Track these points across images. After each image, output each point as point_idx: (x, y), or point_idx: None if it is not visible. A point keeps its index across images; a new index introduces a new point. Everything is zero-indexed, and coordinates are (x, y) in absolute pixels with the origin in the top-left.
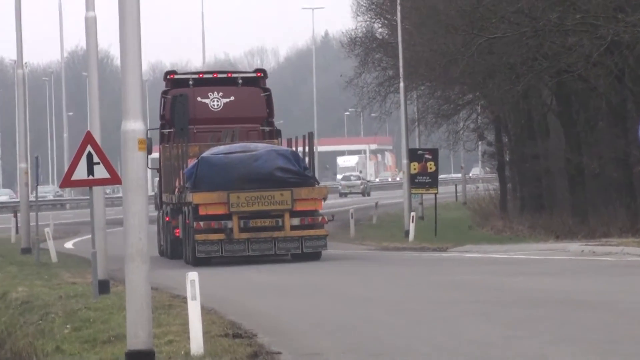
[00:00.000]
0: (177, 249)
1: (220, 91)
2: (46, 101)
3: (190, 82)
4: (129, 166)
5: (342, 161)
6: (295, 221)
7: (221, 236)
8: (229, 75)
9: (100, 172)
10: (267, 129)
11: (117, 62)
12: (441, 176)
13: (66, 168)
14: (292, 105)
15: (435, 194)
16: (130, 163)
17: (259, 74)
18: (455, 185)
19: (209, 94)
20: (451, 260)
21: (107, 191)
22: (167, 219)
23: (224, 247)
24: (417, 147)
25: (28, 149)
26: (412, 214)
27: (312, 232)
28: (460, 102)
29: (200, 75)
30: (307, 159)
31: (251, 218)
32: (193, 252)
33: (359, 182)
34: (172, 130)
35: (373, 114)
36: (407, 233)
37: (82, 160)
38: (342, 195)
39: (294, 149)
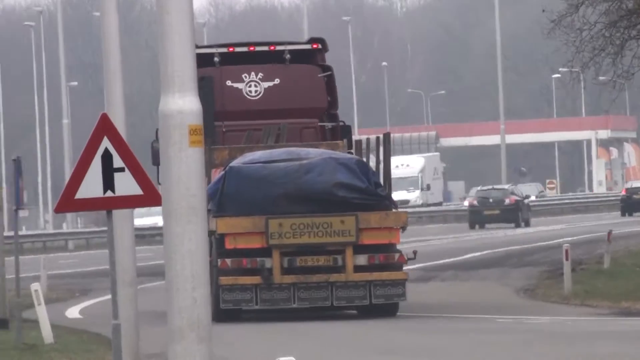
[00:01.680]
0: None
1: (260, 71)
2: (31, 62)
3: (217, 59)
4: (173, 173)
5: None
6: (362, 259)
7: (256, 279)
8: (272, 48)
9: (126, 184)
10: (329, 125)
11: None
12: None
13: (67, 178)
14: (459, 64)
15: None
16: (175, 168)
17: (315, 46)
18: None
19: (243, 76)
20: None
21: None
22: None
23: (260, 296)
24: None
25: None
26: None
27: (385, 275)
28: None
29: (231, 49)
30: (381, 172)
31: (299, 254)
32: (216, 302)
33: None
34: None
35: (601, 77)
36: None
37: (93, 165)
38: None
39: (364, 157)
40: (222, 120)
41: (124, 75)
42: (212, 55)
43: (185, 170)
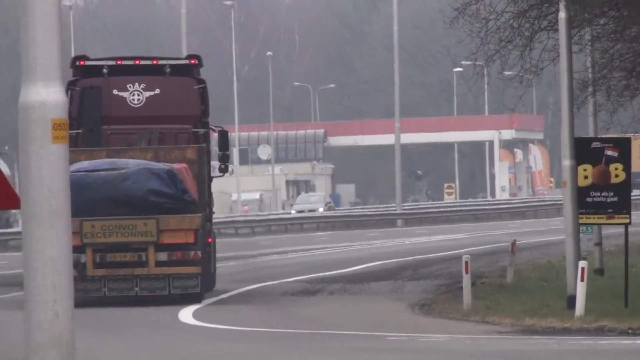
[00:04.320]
0: None
1: (143, 82)
2: None
3: (105, 71)
4: (33, 173)
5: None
6: (163, 256)
7: (73, 272)
8: (154, 62)
9: None
10: (201, 131)
11: None
12: (637, 193)
13: None
14: (351, 55)
15: (627, 224)
16: (36, 167)
17: (192, 61)
18: None
19: (128, 86)
20: None
21: None
22: None
23: (75, 286)
24: (591, 135)
25: None
26: (582, 264)
27: (181, 269)
28: None
29: (118, 62)
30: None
31: (109, 251)
32: None
33: None
34: (80, 131)
35: (507, 72)
36: (571, 301)
37: None
38: None
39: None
40: (107, 125)
41: None
42: (101, 67)
43: (48, 170)
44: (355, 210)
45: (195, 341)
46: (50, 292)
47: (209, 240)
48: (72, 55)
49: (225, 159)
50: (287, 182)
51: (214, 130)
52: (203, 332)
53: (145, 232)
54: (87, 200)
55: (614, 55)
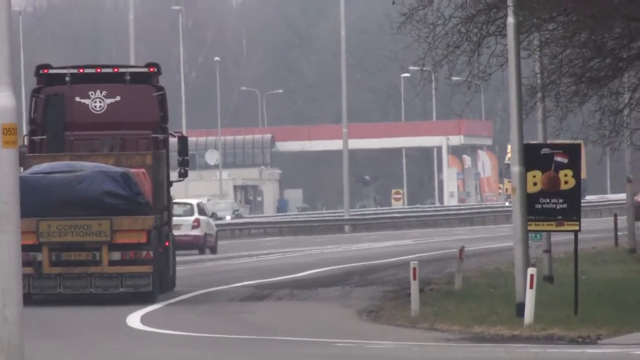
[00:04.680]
0: None
1: (104, 90)
2: None
3: (68, 79)
4: None
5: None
6: (116, 255)
7: (29, 270)
8: (115, 70)
9: None
10: (160, 136)
11: None
12: (587, 198)
13: None
14: (299, 61)
15: (576, 232)
16: None
17: (151, 69)
18: (615, 216)
19: (89, 93)
20: None
21: None
22: None
23: (32, 283)
24: (540, 141)
25: None
26: (531, 271)
27: (133, 268)
28: (625, 55)
29: (81, 70)
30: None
31: (64, 250)
32: None
33: None
34: (44, 137)
35: (455, 78)
36: (520, 308)
37: None
38: None
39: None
40: (71, 131)
41: None
42: (64, 75)
43: None
44: (303, 216)
45: (144, 347)
46: None
47: (167, 243)
48: (22, 60)
49: (184, 164)
50: (235, 187)
51: (173, 135)
52: (151, 338)
53: (99, 232)
54: (44, 201)
55: (563, 61)
